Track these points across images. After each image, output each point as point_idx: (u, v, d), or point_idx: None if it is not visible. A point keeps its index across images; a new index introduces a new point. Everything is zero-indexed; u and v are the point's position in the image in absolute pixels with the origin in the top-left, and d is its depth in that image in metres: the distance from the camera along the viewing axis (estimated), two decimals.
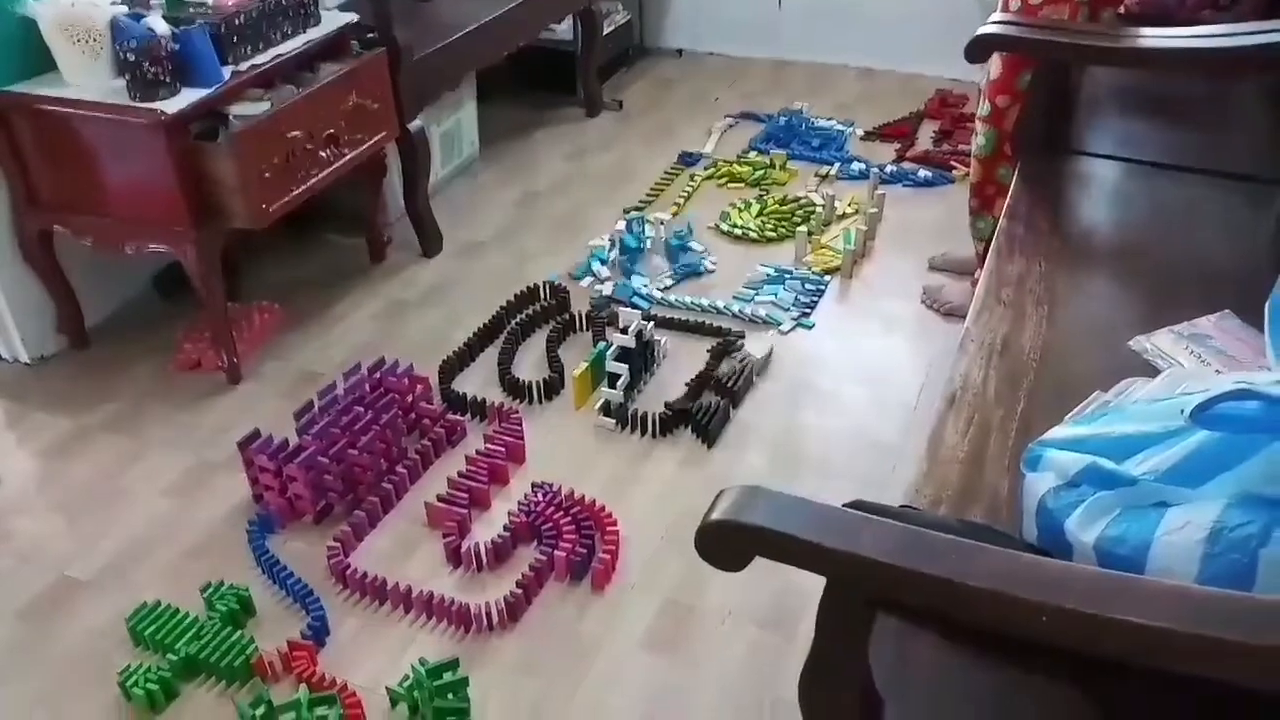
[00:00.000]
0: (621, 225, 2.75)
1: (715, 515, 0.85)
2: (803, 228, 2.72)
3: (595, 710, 1.57)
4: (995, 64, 2.07)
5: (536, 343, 2.41)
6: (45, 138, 2.14)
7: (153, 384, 2.33)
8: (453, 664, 1.53)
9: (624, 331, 2.17)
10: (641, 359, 2.23)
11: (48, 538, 1.94)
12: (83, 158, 2.12)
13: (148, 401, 2.27)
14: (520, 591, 1.72)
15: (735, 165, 3.15)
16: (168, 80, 2.02)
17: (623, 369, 2.13)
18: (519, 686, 1.61)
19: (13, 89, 2.10)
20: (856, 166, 3.10)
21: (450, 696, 1.47)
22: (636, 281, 2.58)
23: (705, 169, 3.16)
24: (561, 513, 1.87)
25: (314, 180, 2.24)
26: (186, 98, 2.04)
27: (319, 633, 1.68)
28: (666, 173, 3.15)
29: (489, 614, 1.69)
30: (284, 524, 1.92)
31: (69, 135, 2.10)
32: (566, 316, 2.46)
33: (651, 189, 3.06)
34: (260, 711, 1.45)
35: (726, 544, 0.85)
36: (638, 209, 2.95)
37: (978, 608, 0.78)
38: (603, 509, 1.88)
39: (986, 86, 2.12)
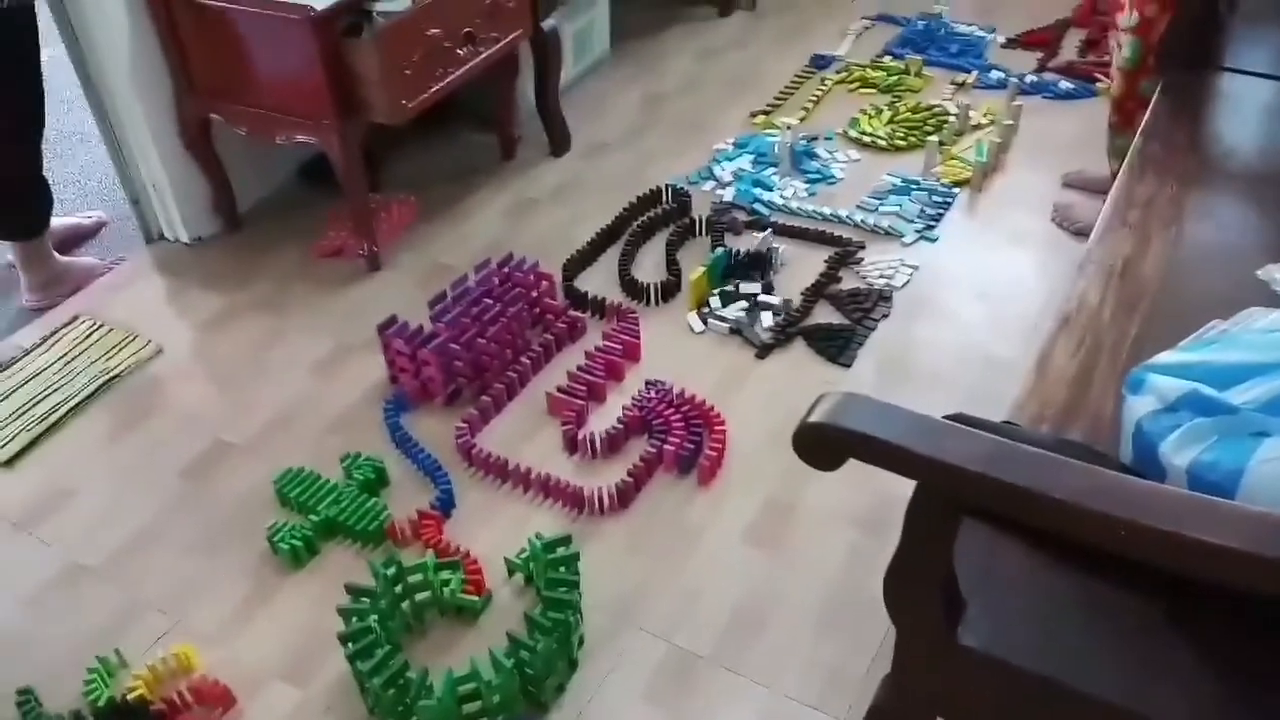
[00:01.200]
0: (747, 129, 2.75)
1: (813, 418, 0.91)
2: (934, 137, 2.67)
3: (694, 593, 1.67)
4: None
5: (656, 245, 2.46)
6: (205, 30, 2.26)
7: (298, 268, 2.48)
8: (566, 539, 1.63)
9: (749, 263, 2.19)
10: (760, 275, 2.28)
11: (204, 405, 2.13)
12: (238, 50, 2.23)
13: (293, 284, 2.43)
14: (630, 480, 1.82)
15: (868, 70, 3.08)
16: None
17: (744, 300, 2.20)
18: (625, 566, 1.72)
19: None
20: (995, 75, 3.00)
21: (562, 570, 1.58)
22: (758, 188, 2.59)
23: (837, 73, 3.11)
24: (672, 409, 1.95)
25: (451, 78, 2.31)
26: None
27: (445, 504, 1.81)
28: (797, 76, 3.11)
29: (600, 498, 1.80)
30: (416, 404, 2.06)
31: (226, 28, 2.21)
32: (687, 220, 2.50)
33: (780, 92, 3.03)
34: (391, 571, 1.59)
35: (821, 445, 0.91)
36: (764, 113, 2.93)
37: (1058, 519, 0.82)
38: (711, 408, 1.95)
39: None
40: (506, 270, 2.22)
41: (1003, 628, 1.01)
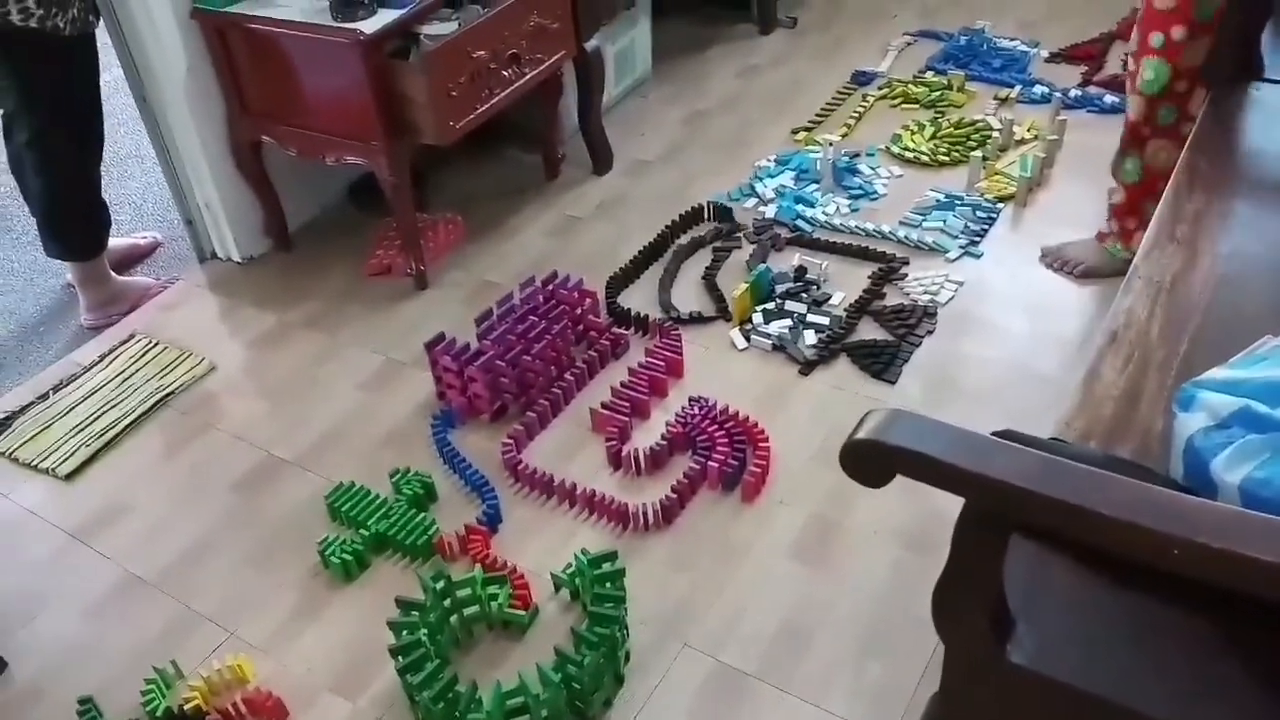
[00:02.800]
0: (789, 146, 2.76)
1: (860, 434, 0.91)
2: (977, 153, 2.66)
3: (739, 609, 1.67)
4: None
5: (699, 261, 2.48)
6: (257, 55, 2.32)
7: (347, 286, 2.53)
8: (612, 555, 1.65)
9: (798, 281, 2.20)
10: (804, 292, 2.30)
11: (255, 420, 2.17)
12: (289, 74, 2.29)
13: (343, 302, 2.48)
14: (675, 496, 1.83)
15: (910, 85, 3.09)
16: (366, 1, 2.16)
17: (788, 316, 2.22)
18: (669, 582, 1.72)
19: (228, 10, 2.28)
20: (1039, 90, 2.98)
21: (608, 585, 1.59)
22: (800, 204, 2.60)
23: (879, 89, 3.11)
24: (716, 426, 1.96)
25: (497, 99, 2.35)
26: (382, 18, 2.17)
27: (493, 519, 1.84)
28: (838, 92, 3.12)
29: (645, 514, 1.81)
30: (463, 420, 2.08)
31: (277, 53, 2.27)
32: (729, 237, 2.52)
33: (822, 109, 3.04)
34: (440, 585, 1.61)
35: (869, 461, 0.91)
36: (806, 129, 2.94)
37: (1109, 536, 0.82)
38: (755, 425, 1.96)
39: (1148, 14, 1.93)
40: (551, 288, 2.25)
41: (1051, 645, 1.00)
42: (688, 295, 2.37)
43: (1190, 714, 0.94)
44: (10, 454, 2.13)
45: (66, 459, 2.10)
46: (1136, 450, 1.17)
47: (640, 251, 2.48)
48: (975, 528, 0.93)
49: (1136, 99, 2.03)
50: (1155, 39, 1.93)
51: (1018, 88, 3.00)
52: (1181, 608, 1.01)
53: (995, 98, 2.99)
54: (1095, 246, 2.29)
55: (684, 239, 2.53)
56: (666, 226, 2.55)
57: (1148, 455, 1.15)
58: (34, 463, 2.10)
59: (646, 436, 2.00)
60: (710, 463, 1.88)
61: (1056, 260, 2.34)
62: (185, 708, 1.58)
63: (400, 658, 1.51)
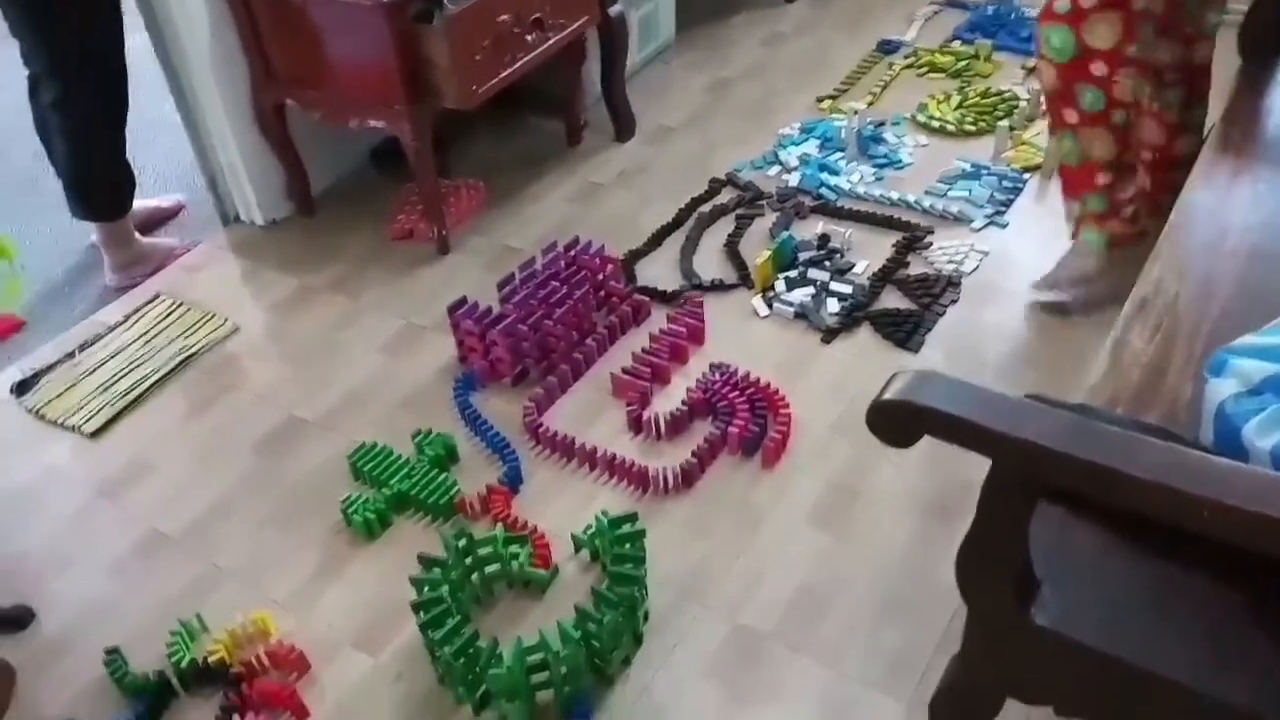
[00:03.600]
0: (814, 114, 2.74)
1: (888, 394, 0.91)
2: (1004, 122, 2.63)
3: (758, 573, 1.68)
4: None
5: (721, 229, 2.47)
6: (281, 18, 2.31)
7: (369, 250, 2.54)
8: (632, 517, 1.65)
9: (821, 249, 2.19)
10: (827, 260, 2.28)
11: (278, 382, 2.18)
12: (313, 37, 2.28)
13: (365, 266, 2.48)
14: (695, 460, 1.83)
15: (937, 55, 3.05)
16: None
17: (810, 284, 2.20)
18: (689, 545, 1.73)
19: None
20: None
21: (628, 546, 1.60)
22: (824, 172, 2.59)
23: (904, 58, 3.08)
24: (737, 392, 1.96)
25: (520, 63, 2.34)
26: None
27: (514, 480, 1.85)
28: (864, 61, 3.09)
29: (665, 478, 1.82)
30: (485, 383, 2.09)
31: (301, 16, 2.26)
32: (752, 204, 2.50)
33: (847, 77, 3.01)
34: (462, 543, 1.63)
35: (897, 421, 0.91)
36: (831, 98, 2.92)
37: (1140, 499, 0.82)
38: (776, 391, 1.96)
39: None
40: (573, 254, 2.25)
41: (1075, 608, 1.00)
42: (709, 263, 2.36)
43: (1213, 679, 0.94)
44: (37, 411, 2.15)
45: (92, 417, 2.12)
46: (1164, 417, 1.17)
47: (662, 218, 2.48)
48: (1003, 490, 0.92)
49: (1046, 68, 1.81)
50: (1061, 3, 1.72)
51: None
52: (1206, 575, 1.01)
53: (1023, 67, 2.95)
54: (1079, 248, 2.06)
55: (706, 207, 2.52)
56: (689, 194, 2.54)
57: (1175, 423, 1.15)
58: (60, 420, 2.12)
59: (667, 402, 2.00)
60: (730, 428, 1.88)
61: (1052, 287, 2.11)
62: (209, 660, 1.60)
63: (422, 613, 1.52)
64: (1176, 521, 0.80)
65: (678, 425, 1.93)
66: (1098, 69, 1.75)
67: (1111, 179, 1.90)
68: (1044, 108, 1.93)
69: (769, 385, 1.97)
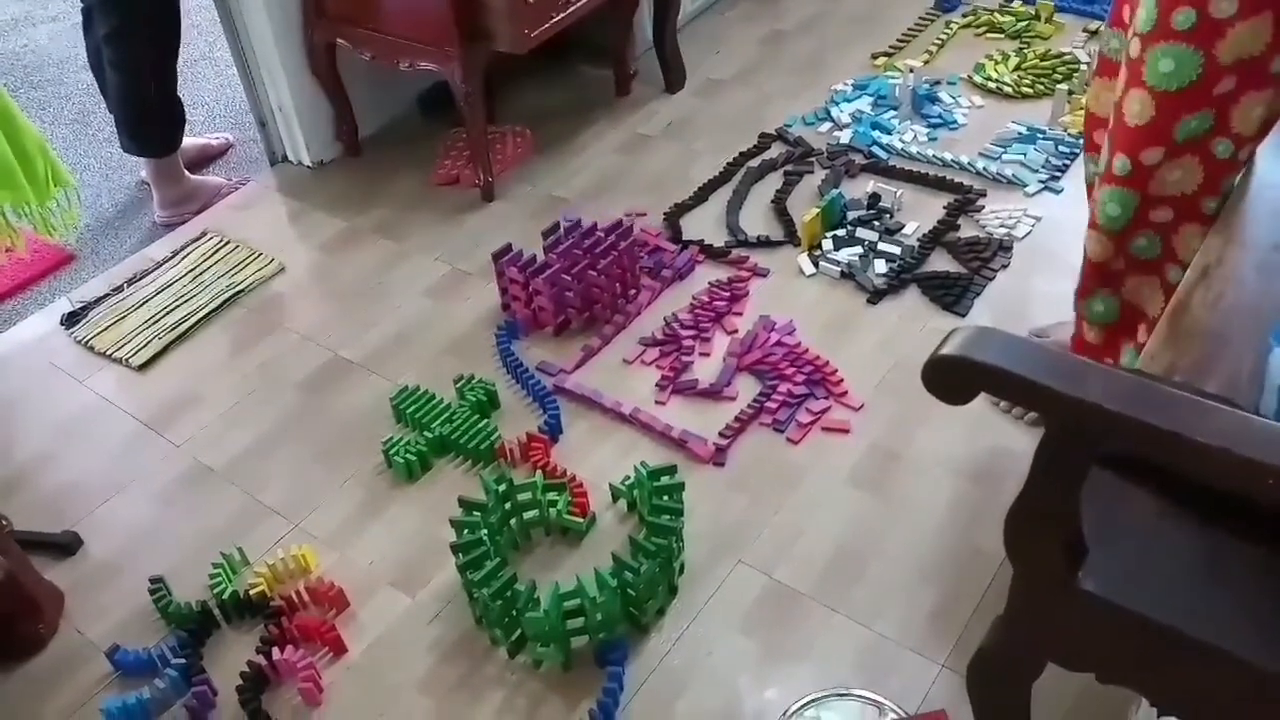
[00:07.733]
0: (868, 71, 2.69)
1: (946, 350, 0.89)
2: (1063, 86, 2.57)
3: (795, 529, 1.68)
4: (1136, 99, 1.38)
5: (769, 185, 2.44)
6: None
7: (415, 194, 2.53)
8: (671, 469, 1.65)
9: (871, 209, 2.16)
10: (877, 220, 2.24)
11: (323, 321, 2.20)
12: None
13: (410, 210, 2.48)
14: (737, 424, 1.82)
15: (996, 14, 2.98)
16: None
17: (858, 244, 2.17)
18: (727, 499, 1.73)
19: None
20: None
21: (666, 498, 1.60)
22: (876, 130, 2.54)
23: (963, 16, 3.00)
24: (781, 350, 1.94)
25: (573, 8, 2.31)
26: None
27: (554, 429, 1.85)
28: (921, 18, 3.02)
29: (704, 434, 1.81)
30: (527, 332, 2.09)
31: None
32: (802, 160, 2.47)
33: (903, 34, 2.95)
34: (502, 488, 1.63)
35: (954, 377, 0.89)
36: (886, 54, 2.86)
37: (1203, 464, 0.80)
38: (820, 354, 1.94)
39: (1119, 132, 1.43)
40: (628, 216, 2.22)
41: (1124, 574, 0.99)
42: (756, 219, 2.33)
43: (1263, 648, 0.92)
44: (86, 342, 2.18)
45: (139, 350, 2.14)
46: (1222, 387, 1.14)
47: (710, 172, 2.45)
48: (1060, 451, 0.91)
49: (1096, 236, 1.54)
50: (1120, 163, 1.44)
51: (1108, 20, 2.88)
52: (1260, 545, 0.99)
53: (1085, 30, 2.87)
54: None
55: (755, 161, 2.49)
56: (738, 148, 2.51)
57: (1234, 392, 1.12)
58: (109, 352, 2.15)
59: (710, 359, 1.99)
60: (777, 408, 1.85)
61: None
62: (251, 593, 1.62)
63: (461, 554, 1.54)
64: (1241, 489, 0.79)
65: (720, 382, 1.92)
66: (1159, 215, 1.48)
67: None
68: (1087, 283, 1.63)
69: (813, 344, 1.95)
